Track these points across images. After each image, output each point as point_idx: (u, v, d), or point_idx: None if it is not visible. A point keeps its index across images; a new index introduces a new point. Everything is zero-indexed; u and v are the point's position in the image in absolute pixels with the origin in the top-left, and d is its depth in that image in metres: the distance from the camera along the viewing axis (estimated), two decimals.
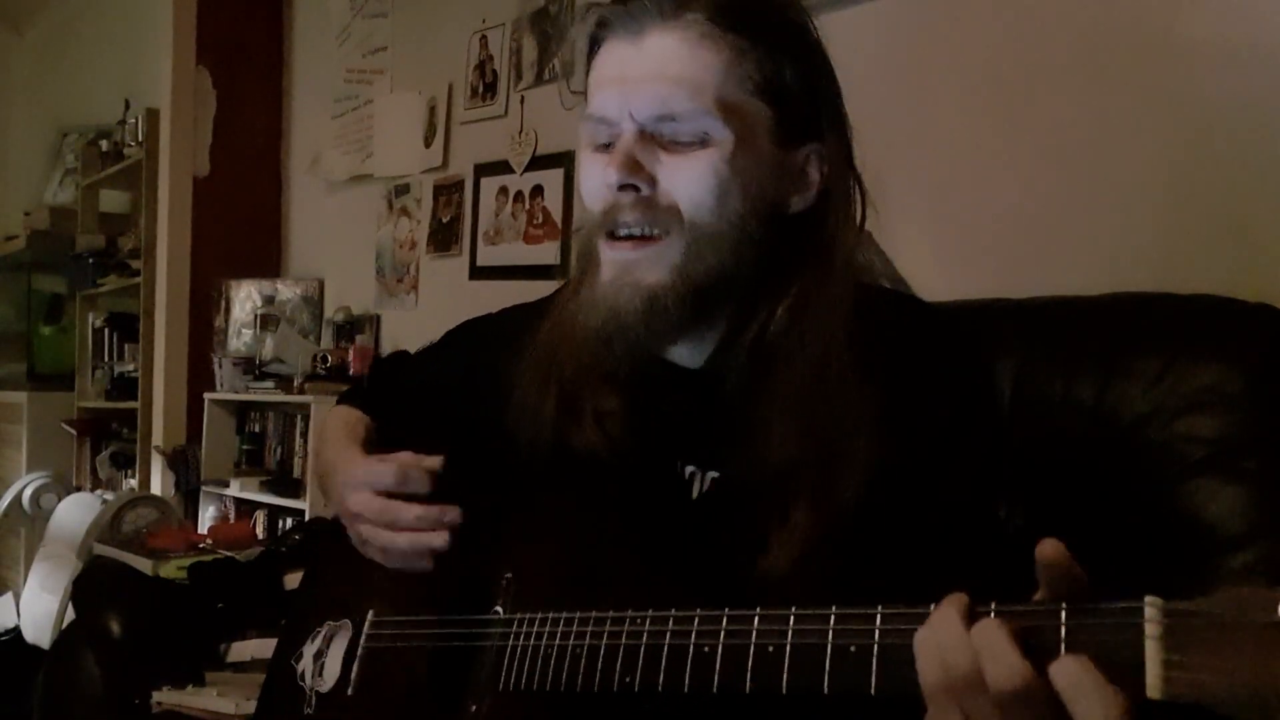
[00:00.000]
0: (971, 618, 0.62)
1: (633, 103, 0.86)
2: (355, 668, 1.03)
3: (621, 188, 0.86)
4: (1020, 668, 0.58)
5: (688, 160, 0.86)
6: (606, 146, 0.89)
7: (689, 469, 0.92)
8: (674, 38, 0.85)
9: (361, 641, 1.04)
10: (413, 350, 1.24)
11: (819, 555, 0.81)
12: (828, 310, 0.87)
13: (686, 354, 0.94)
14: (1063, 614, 0.59)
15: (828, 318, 0.86)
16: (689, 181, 0.86)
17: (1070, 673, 0.56)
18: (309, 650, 1.09)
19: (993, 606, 0.62)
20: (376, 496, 0.95)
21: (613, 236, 0.88)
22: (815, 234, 0.90)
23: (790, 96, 0.87)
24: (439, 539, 0.93)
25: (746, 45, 0.85)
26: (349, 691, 1.03)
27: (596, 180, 0.89)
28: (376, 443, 1.08)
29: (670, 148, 0.86)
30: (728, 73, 0.85)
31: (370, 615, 1.03)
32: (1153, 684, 0.54)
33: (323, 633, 1.09)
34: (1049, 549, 0.60)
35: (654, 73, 0.85)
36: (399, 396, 1.16)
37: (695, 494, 0.91)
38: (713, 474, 0.91)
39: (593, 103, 0.90)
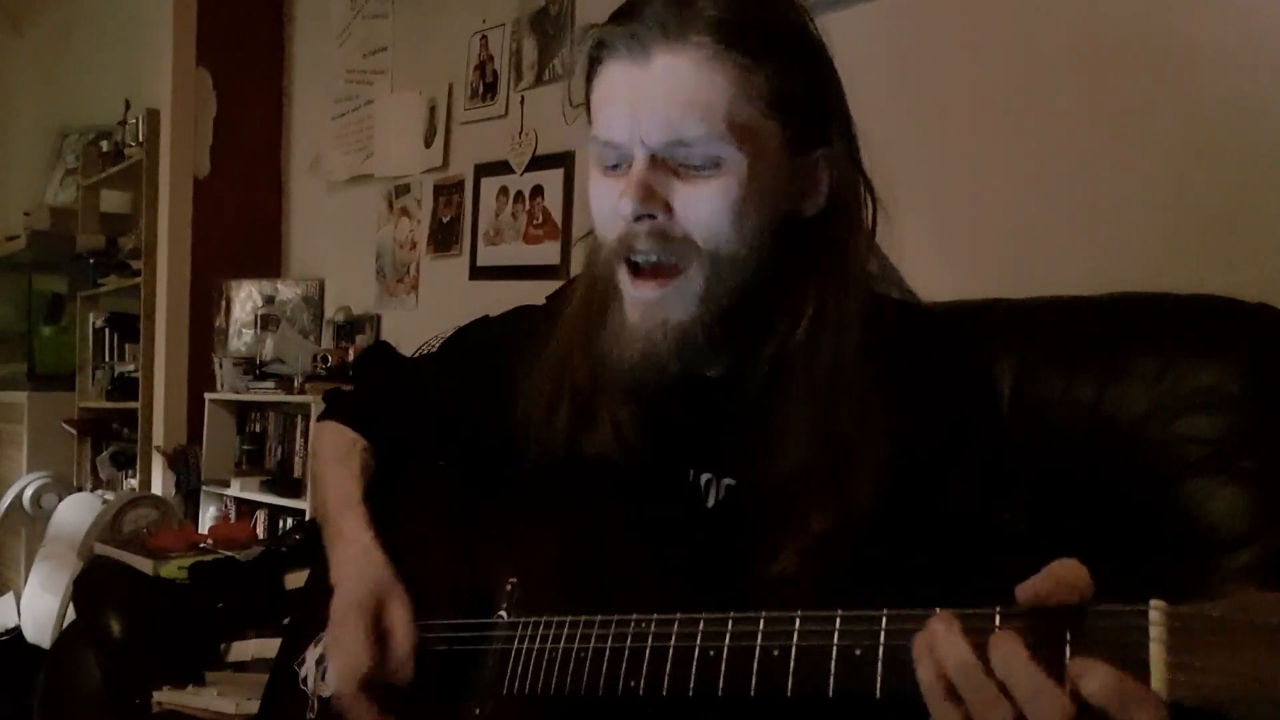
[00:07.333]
0: (969, 628, 0.61)
1: (643, 127, 0.84)
2: None
3: (638, 218, 0.85)
4: (1062, 702, 0.57)
5: (702, 188, 0.84)
6: (615, 168, 0.88)
7: (704, 476, 0.92)
8: (682, 59, 0.83)
9: None
10: (409, 350, 1.23)
11: (830, 560, 0.81)
12: (845, 319, 0.87)
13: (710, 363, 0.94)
14: (1067, 619, 0.58)
15: (845, 326, 0.87)
16: (705, 211, 0.84)
17: (1107, 686, 0.55)
18: (311, 655, 1.08)
19: (996, 612, 0.61)
20: (359, 691, 0.95)
21: (633, 267, 0.87)
22: (828, 237, 0.89)
23: (800, 107, 0.86)
24: None
25: (753, 63, 0.83)
26: None
27: (609, 207, 0.87)
28: (377, 475, 1.09)
29: (683, 173, 0.85)
30: (737, 93, 0.83)
31: None
32: (1158, 687, 0.54)
33: (325, 636, 1.08)
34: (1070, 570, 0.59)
35: (663, 96, 0.83)
36: (395, 409, 1.14)
37: (711, 502, 0.91)
38: (728, 481, 0.91)
39: (599, 125, 0.88)
